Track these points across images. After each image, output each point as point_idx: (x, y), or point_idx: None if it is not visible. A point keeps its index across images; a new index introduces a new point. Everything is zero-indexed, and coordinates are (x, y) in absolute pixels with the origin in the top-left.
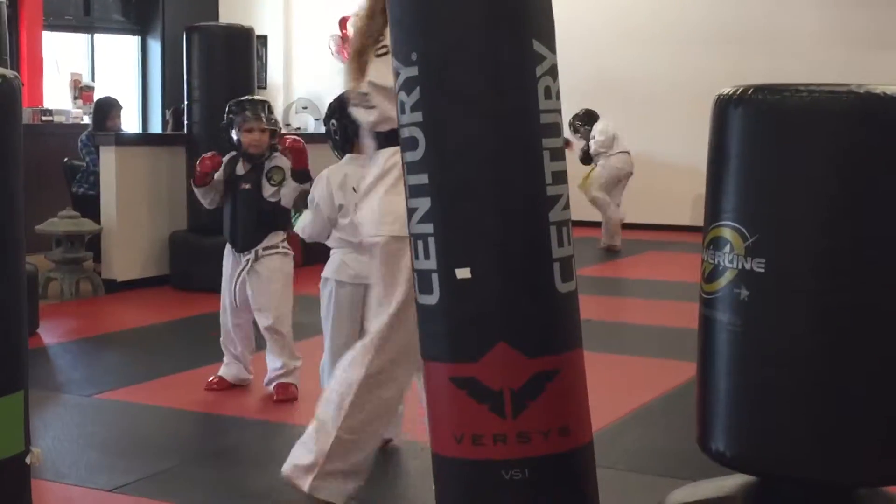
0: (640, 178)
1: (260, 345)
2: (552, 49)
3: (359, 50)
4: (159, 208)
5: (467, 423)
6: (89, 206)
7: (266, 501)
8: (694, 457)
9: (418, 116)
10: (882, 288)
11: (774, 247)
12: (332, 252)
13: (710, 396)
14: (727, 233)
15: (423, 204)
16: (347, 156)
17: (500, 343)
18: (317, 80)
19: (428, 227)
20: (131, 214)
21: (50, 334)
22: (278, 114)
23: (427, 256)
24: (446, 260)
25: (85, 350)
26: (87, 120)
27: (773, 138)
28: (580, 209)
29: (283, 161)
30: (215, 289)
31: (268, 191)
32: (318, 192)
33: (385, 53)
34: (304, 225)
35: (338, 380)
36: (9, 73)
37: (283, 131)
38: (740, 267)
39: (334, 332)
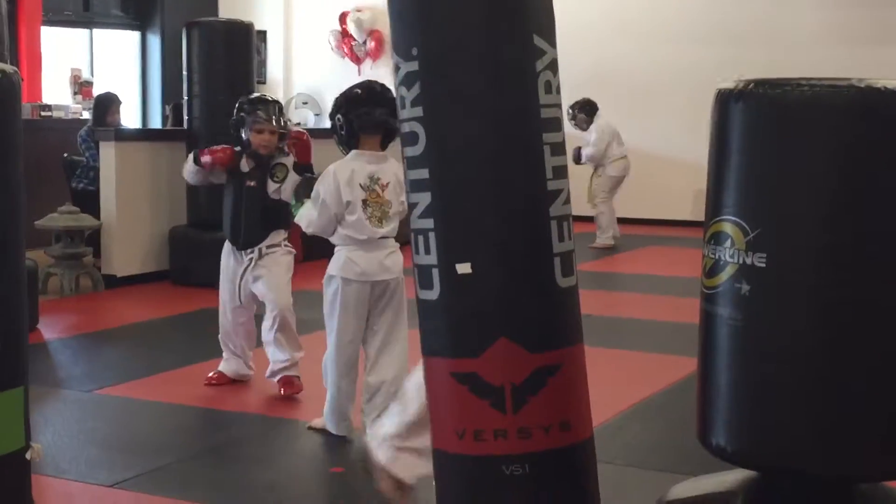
0: (639, 173)
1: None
2: (552, 44)
3: None
4: (159, 204)
5: (468, 419)
6: (89, 201)
7: (267, 497)
8: (694, 452)
9: (419, 111)
10: (883, 283)
11: (775, 242)
12: (336, 249)
13: (711, 391)
14: (728, 227)
15: (424, 199)
16: (353, 151)
17: (501, 338)
18: (316, 76)
19: (428, 223)
20: (131, 210)
21: (50, 330)
22: None
23: (428, 251)
24: (447, 255)
25: (85, 346)
26: (86, 115)
27: (775, 133)
28: (580, 205)
29: (287, 159)
30: (215, 284)
31: (271, 188)
32: (324, 187)
33: None
34: (306, 217)
35: None
36: (8, 68)
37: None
38: (741, 262)
39: (341, 329)
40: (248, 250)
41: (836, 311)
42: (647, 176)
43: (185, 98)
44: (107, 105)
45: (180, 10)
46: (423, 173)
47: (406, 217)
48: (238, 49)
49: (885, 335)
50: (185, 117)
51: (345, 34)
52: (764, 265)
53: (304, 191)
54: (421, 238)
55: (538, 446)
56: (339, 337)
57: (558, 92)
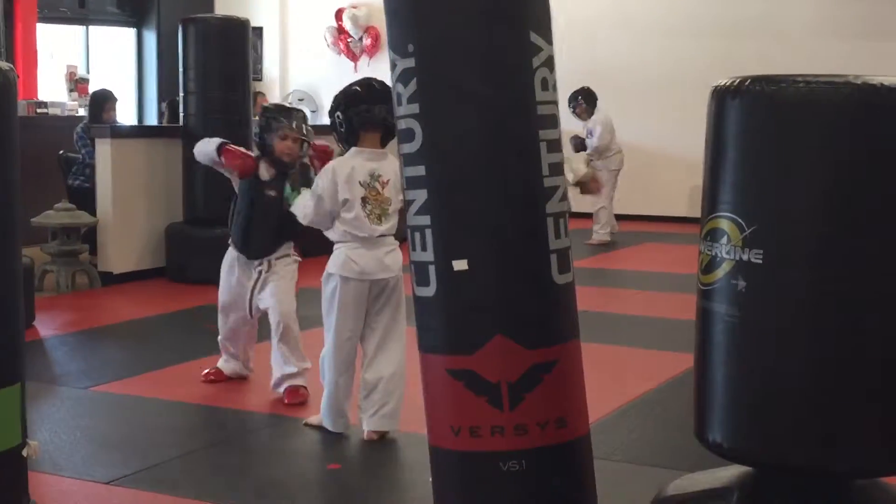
0: (635, 169)
1: (261, 337)
2: (549, 40)
3: None
4: (155, 201)
5: (465, 416)
6: (85, 198)
7: (264, 494)
8: (691, 448)
9: (415, 108)
10: (879, 279)
11: (771, 238)
12: (335, 247)
13: (708, 387)
14: (724, 224)
15: (420, 196)
16: (353, 149)
17: (498, 335)
18: (312, 72)
19: (425, 219)
20: (127, 207)
21: (46, 327)
22: None
23: (424, 248)
24: (443, 252)
25: (81, 342)
26: (82, 112)
27: (771, 129)
28: (577, 201)
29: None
30: (211, 281)
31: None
32: (322, 182)
33: None
34: (302, 207)
35: None
36: (4, 65)
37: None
38: (737, 258)
39: (339, 327)
40: (258, 261)
41: (832, 306)
42: (643, 172)
43: (181, 95)
44: (103, 102)
45: (176, 6)
46: (420, 170)
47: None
48: (234, 46)
49: (882, 331)
50: (181, 114)
51: (341, 31)
52: (760, 261)
53: (302, 180)
54: (417, 235)
55: (535, 443)
56: (337, 334)
57: (555, 89)
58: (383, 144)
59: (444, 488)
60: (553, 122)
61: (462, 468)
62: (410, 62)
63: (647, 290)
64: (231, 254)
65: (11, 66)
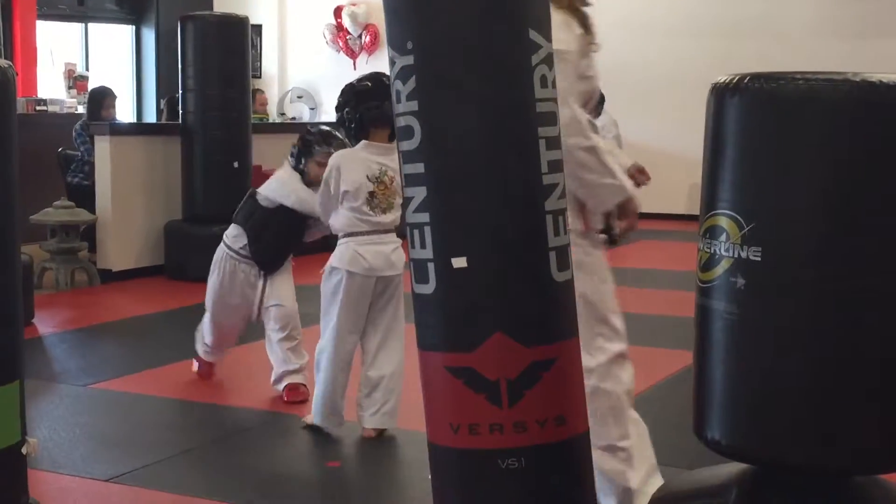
0: None
1: (256, 337)
2: (548, 38)
3: None
4: (154, 198)
5: (464, 413)
6: (84, 195)
7: (263, 491)
8: (690, 445)
9: (414, 105)
10: (878, 276)
11: (770, 235)
12: (340, 242)
13: (706, 385)
14: (723, 221)
15: (420, 193)
16: (363, 142)
17: (497, 332)
18: (311, 70)
19: (424, 217)
20: (126, 204)
21: (45, 324)
22: (273, 103)
23: (423, 246)
24: (442, 249)
25: (80, 340)
26: (81, 110)
27: (770, 126)
28: None
29: None
30: None
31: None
32: (327, 172)
33: None
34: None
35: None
36: (3, 62)
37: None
38: (736, 255)
39: (341, 322)
40: (269, 273)
41: (831, 304)
42: None
43: (180, 92)
44: (101, 99)
45: (175, 4)
46: (419, 167)
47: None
48: (233, 43)
49: (881, 328)
50: (180, 111)
51: (340, 28)
52: (759, 259)
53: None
54: (417, 232)
55: (534, 440)
56: (339, 330)
57: (554, 86)
58: (391, 140)
59: (443, 486)
60: (552, 119)
61: (461, 466)
62: (409, 59)
63: (646, 288)
64: (232, 261)
65: (10, 63)
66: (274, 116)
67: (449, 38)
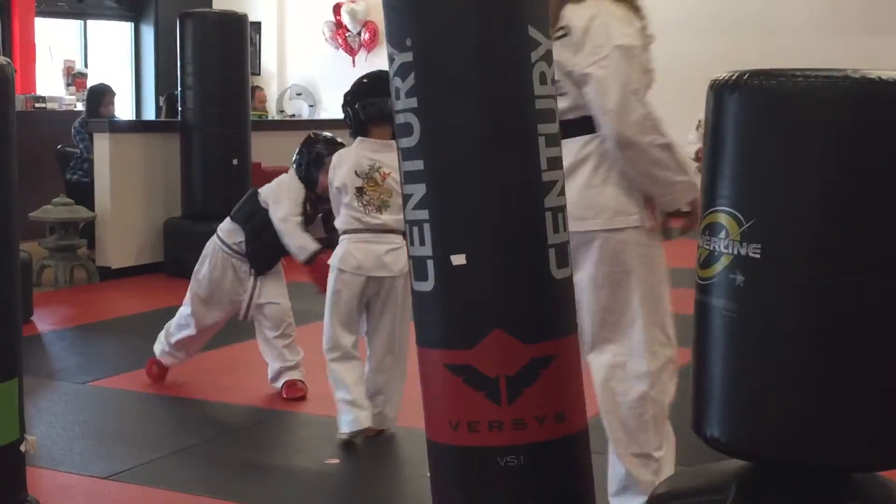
0: None
1: (246, 336)
2: (547, 35)
3: None
4: (153, 195)
5: (463, 410)
6: (83, 193)
7: (262, 489)
8: (689, 442)
9: (413, 102)
10: (877, 274)
11: (770, 232)
12: (340, 240)
13: (706, 382)
14: (723, 218)
15: (419, 190)
16: (358, 139)
17: (496, 329)
18: (311, 67)
19: (423, 214)
20: (125, 201)
21: (44, 322)
22: (272, 100)
23: (422, 243)
24: (441, 246)
25: (79, 337)
26: (80, 107)
27: (769, 123)
28: None
29: None
30: None
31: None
32: (330, 174)
33: (563, 35)
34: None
35: (630, 402)
36: (1, 59)
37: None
38: (736, 252)
39: (333, 315)
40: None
41: (830, 301)
42: None
43: (179, 89)
44: (100, 96)
45: (174, 1)
46: (418, 164)
47: None
48: (232, 40)
49: (880, 325)
50: (179, 108)
51: (339, 25)
52: (758, 256)
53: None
54: (416, 229)
55: (533, 437)
56: (332, 325)
57: (553, 83)
58: (393, 137)
59: (442, 483)
60: (551, 116)
61: (460, 463)
62: (408, 56)
63: None
64: (224, 259)
65: (9, 60)
66: (273, 113)
67: (448, 35)
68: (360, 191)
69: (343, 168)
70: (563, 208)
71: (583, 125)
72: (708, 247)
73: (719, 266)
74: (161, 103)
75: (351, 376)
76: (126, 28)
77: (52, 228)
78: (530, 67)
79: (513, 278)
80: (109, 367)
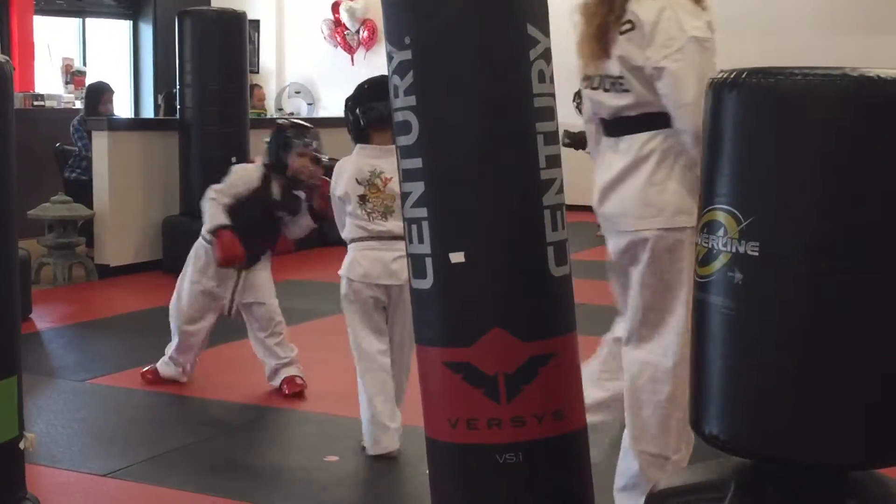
0: None
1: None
2: (546, 33)
3: (600, 28)
4: (152, 193)
5: (461, 408)
6: (82, 191)
7: (261, 486)
8: None
9: (412, 100)
10: (876, 272)
11: (768, 230)
12: (349, 248)
13: (704, 380)
14: (721, 216)
15: (417, 188)
16: (358, 146)
17: (495, 327)
18: (309, 65)
19: (422, 212)
20: (124, 199)
21: (43, 319)
22: (271, 98)
23: (421, 241)
24: (440, 244)
25: (78, 335)
26: (78, 105)
27: (768, 121)
28: (574, 193)
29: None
30: None
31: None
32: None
33: (630, 30)
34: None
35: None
36: (1, 57)
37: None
38: (734, 250)
39: (353, 322)
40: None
41: (829, 299)
42: None
43: (178, 87)
44: (99, 94)
45: None
46: (417, 162)
47: None
48: (231, 38)
49: (879, 323)
50: (178, 107)
51: (337, 23)
52: (757, 254)
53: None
54: (414, 227)
55: (532, 435)
56: (356, 344)
57: (551, 81)
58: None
59: (441, 480)
60: (550, 114)
61: (459, 460)
62: (407, 54)
63: None
64: (209, 251)
65: (8, 58)
66: (272, 112)
67: (447, 34)
68: (362, 198)
69: (344, 177)
70: (561, 206)
71: (644, 122)
72: (706, 245)
73: (718, 264)
74: (160, 101)
75: (373, 387)
76: (125, 26)
77: (51, 226)
78: (529, 66)
79: (511, 276)
80: (108, 365)
